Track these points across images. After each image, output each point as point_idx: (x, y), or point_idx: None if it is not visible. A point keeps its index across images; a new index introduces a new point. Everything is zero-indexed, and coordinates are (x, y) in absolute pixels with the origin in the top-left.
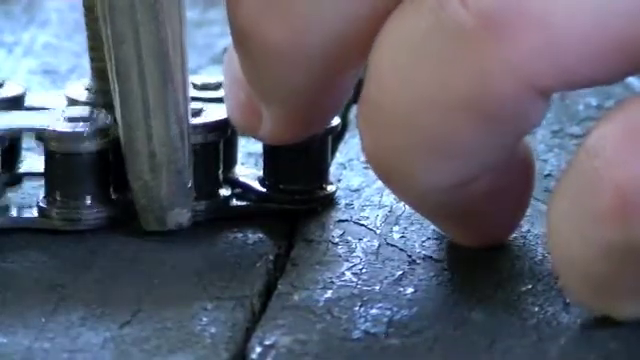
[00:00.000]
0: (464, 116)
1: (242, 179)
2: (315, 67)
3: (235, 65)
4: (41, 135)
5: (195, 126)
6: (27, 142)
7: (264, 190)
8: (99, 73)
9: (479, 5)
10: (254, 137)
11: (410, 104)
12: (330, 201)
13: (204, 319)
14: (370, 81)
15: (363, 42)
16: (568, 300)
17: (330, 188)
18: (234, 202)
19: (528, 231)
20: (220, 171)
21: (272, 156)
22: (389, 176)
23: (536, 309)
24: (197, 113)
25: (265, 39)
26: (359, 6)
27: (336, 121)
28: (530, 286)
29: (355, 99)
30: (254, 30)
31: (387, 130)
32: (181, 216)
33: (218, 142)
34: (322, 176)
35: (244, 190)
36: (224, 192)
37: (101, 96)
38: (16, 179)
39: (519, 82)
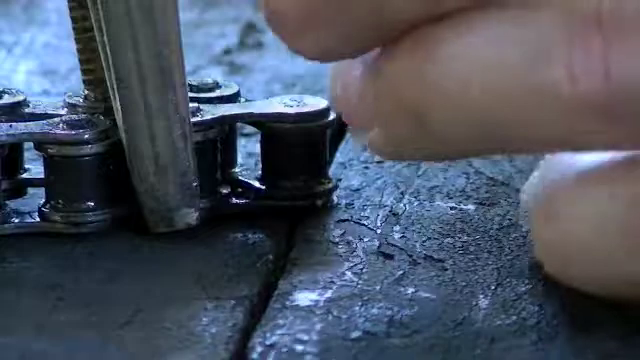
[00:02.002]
0: None
1: (241, 177)
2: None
3: None
4: (42, 141)
5: (193, 125)
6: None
7: (263, 187)
8: (94, 82)
9: None
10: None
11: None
12: (329, 196)
13: (204, 319)
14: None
15: None
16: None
17: (329, 183)
18: (233, 200)
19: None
20: (219, 169)
21: (270, 153)
22: None
23: (536, 309)
24: (193, 112)
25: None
26: None
27: (332, 115)
28: (530, 286)
29: None
30: None
31: None
32: (189, 216)
33: (216, 141)
34: (320, 172)
35: (244, 188)
36: (223, 190)
37: (97, 102)
38: (19, 187)
39: None
